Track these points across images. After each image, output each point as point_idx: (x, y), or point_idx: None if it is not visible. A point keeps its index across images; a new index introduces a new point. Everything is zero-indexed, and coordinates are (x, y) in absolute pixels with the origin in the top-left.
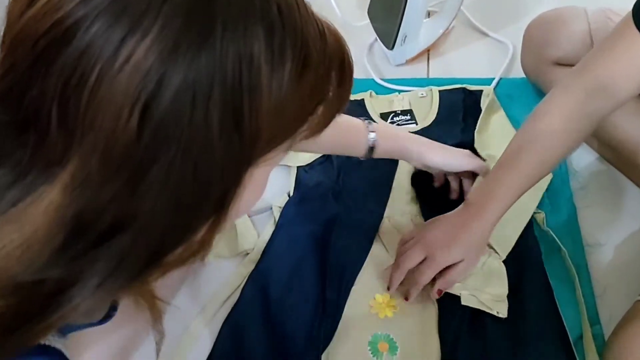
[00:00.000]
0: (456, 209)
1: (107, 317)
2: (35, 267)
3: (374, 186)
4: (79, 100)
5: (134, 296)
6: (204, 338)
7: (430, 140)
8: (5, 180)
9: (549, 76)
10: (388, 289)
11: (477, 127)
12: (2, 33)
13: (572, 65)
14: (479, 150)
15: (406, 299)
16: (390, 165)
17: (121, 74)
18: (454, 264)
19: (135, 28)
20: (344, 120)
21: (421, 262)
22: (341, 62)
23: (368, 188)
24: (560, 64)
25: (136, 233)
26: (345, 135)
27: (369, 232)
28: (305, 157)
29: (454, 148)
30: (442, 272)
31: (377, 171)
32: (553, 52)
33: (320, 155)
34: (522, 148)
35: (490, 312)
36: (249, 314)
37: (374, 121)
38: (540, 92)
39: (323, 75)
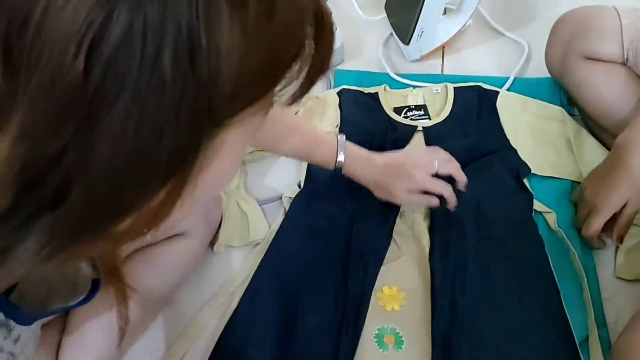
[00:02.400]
0: (608, 154)
1: (88, 297)
2: None
3: None
4: (23, 39)
5: (103, 279)
6: (211, 328)
7: (383, 175)
8: None
9: (577, 70)
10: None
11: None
12: None
13: (601, 60)
14: (511, 140)
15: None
16: None
17: (66, 9)
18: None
19: None
20: (316, 133)
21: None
22: (316, 14)
23: None
24: (589, 58)
25: (84, 193)
26: (314, 148)
27: (387, 227)
28: None
29: (399, 185)
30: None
31: None
32: (583, 45)
33: None
34: None
35: None
36: (258, 306)
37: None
38: (554, 92)
39: (295, 25)
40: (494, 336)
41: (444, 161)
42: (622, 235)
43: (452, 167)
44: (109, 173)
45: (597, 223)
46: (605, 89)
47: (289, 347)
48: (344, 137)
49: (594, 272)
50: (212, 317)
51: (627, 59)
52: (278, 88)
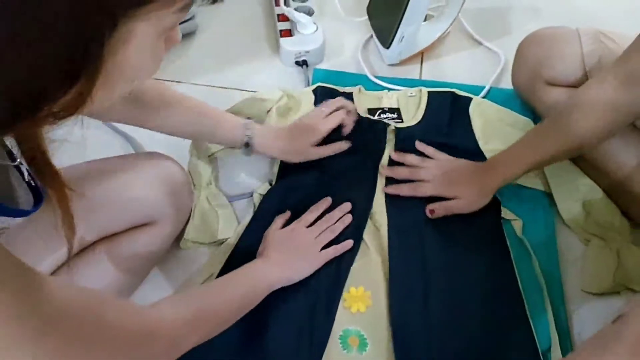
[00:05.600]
0: (480, 162)
1: (35, 206)
2: None
3: (360, 179)
4: None
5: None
6: None
7: (288, 141)
8: None
9: (542, 95)
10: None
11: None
12: None
13: (565, 86)
14: (481, 145)
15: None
16: (373, 159)
17: None
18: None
19: None
20: (220, 113)
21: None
22: None
23: (353, 180)
24: (552, 84)
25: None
26: (217, 127)
27: (359, 226)
28: None
29: (305, 142)
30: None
31: (361, 163)
32: (546, 72)
33: None
34: (549, 129)
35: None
36: None
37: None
38: (529, 104)
39: None
40: (456, 344)
41: (329, 103)
42: (435, 212)
43: (336, 101)
44: (18, 61)
45: (426, 192)
46: None
47: (257, 345)
48: (249, 119)
49: (559, 282)
50: None
51: None
52: None
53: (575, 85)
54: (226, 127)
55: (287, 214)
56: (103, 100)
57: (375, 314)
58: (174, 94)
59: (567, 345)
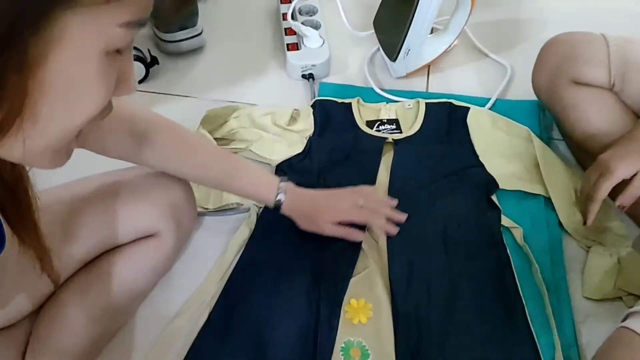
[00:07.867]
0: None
1: None
2: None
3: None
4: None
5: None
6: (183, 337)
7: (309, 208)
8: None
9: (564, 94)
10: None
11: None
12: None
13: (589, 84)
14: (479, 155)
15: (585, 223)
16: (369, 171)
17: None
18: (632, 178)
19: None
20: (257, 174)
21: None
22: None
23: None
24: (577, 82)
25: None
26: (254, 189)
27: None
28: (283, 154)
29: (325, 217)
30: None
31: (356, 177)
32: (571, 69)
33: (299, 152)
34: None
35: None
36: (231, 315)
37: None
38: (534, 115)
39: None
40: (458, 355)
41: (368, 195)
42: (624, 205)
43: (376, 201)
44: None
45: (605, 185)
46: (592, 113)
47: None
48: (286, 178)
49: (566, 292)
50: (185, 325)
51: (613, 84)
52: None
53: (599, 84)
54: (254, 182)
55: None
56: (38, 137)
57: (377, 326)
58: (193, 138)
59: (574, 354)
